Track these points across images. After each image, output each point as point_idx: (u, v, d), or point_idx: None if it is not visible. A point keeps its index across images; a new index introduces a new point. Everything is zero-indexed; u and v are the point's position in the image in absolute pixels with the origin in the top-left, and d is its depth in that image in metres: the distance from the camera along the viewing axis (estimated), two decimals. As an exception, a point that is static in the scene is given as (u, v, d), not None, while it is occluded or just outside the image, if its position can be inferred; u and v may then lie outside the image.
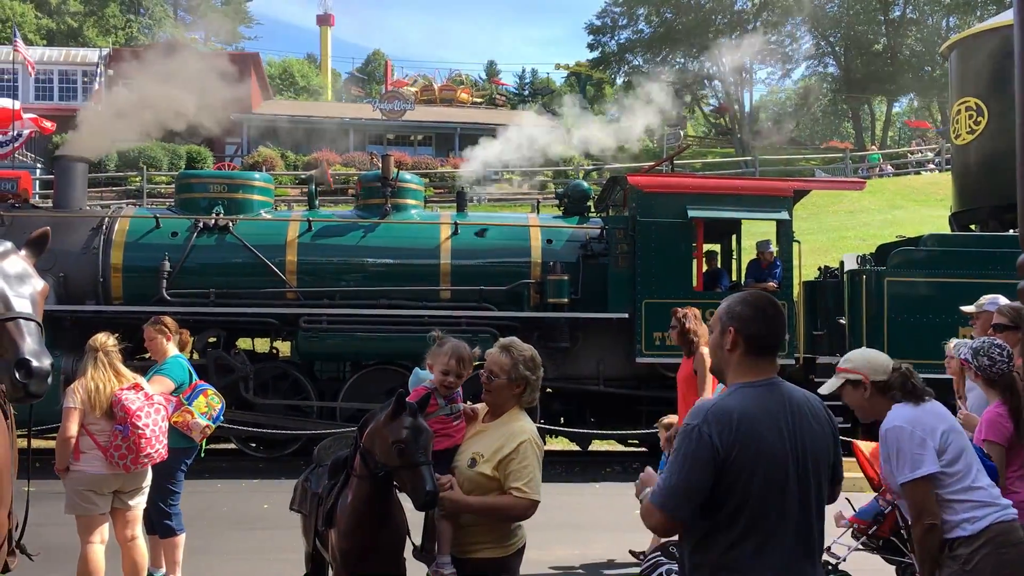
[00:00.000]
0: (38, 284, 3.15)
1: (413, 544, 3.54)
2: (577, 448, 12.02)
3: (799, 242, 11.58)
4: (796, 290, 11.82)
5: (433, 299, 11.20)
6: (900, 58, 45.14)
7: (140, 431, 5.09)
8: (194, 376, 6.00)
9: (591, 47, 49.58)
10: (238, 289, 10.98)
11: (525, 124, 13.71)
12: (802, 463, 2.63)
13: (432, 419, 3.49)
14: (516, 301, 11.25)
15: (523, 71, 63.42)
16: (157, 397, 5.36)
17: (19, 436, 3.86)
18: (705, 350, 6.47)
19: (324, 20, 60.19)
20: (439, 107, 41.54)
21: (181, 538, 5.84)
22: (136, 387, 5.27)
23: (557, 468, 10.71)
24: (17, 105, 28.83)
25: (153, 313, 10.32)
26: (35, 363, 2.87)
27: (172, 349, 6.03)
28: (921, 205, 26.64)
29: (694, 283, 11.29)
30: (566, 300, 11.07)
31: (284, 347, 12.13)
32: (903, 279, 11.26)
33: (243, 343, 11.92)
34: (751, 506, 2.56)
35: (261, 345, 12.29)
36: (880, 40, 46.94)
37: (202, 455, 6.16)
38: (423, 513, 3.41)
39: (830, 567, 5.48)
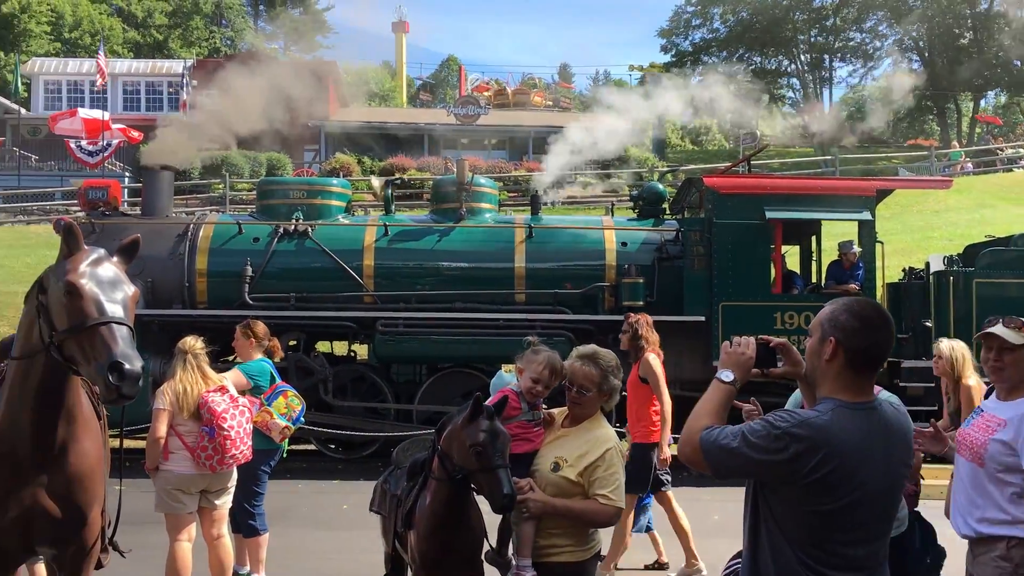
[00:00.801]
0: (129, 289, 3.26)
1: (490, 547, 3.56)
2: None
3: (882, 243, 11.28)
4: (879, 292, 11.51)
5: (508, 302, 11.22)
6: (987, 53, 43.66)
7: (225, 433, 5.22)
8: (276, 378, 6.13)
9: (664, 49, 49.20)
10: (317, 293, 11.17)
11: (600, 119, 13.53)
12: (886, 494, 2.52)
13: (513, 423, 3.50)
14: (590, 304, 11.21)
15: (596, 73, 63.25)
16: (242, 399, 5.49)
17: (111, 436, 4.01)
18: (651, 356, 6.56)
19: (399, 27, 60.93)
20: (513, 111, 41.67)
21: (265, 537, 5.97)
22: (222, 389, 5.41)
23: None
24: (106, 116, 29.94)
25: (237, 317, 10.64)
26: (127, 366, 2.97)
27: (257, 354, 6.17)
28: (1011, 204, 25.66)
29: (772, 286, 11.10)
30: (641, 303, 10.97)
31: (362, 350, 12.30)
32: (993, 280, 10.87)
33: (322, 346, 12.12)
34: (835, 537, 2.47)
35: (340, 348, 12.49)
36: (966, 35, 45.46)
37: (284, 456, 6.28)
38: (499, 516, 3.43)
39: None
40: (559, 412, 3.68)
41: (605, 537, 3.59)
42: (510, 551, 3.51)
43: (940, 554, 4.37)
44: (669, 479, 6.66)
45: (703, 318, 10.89)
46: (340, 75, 39.73)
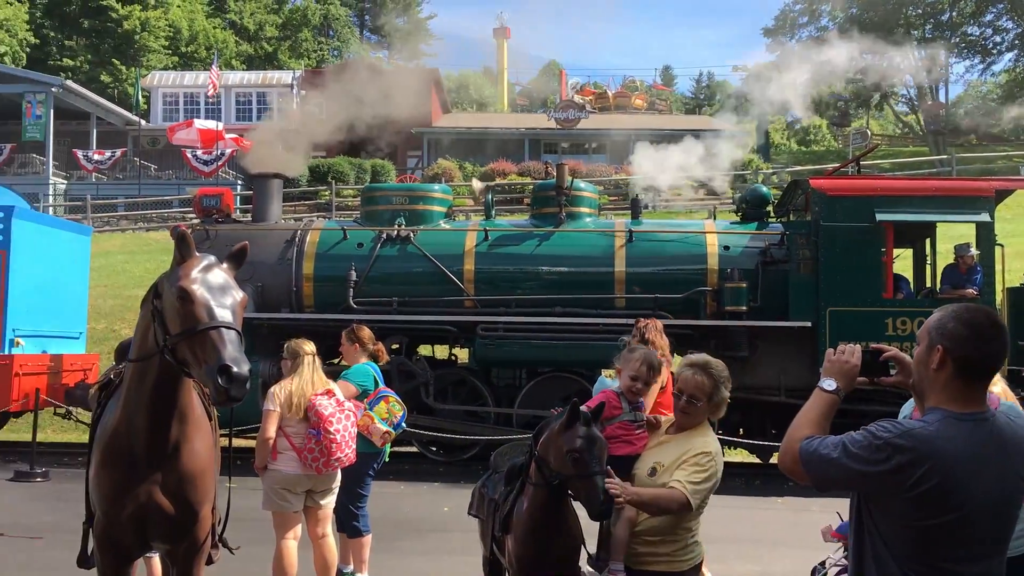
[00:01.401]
0: (238, 295, 3.37)
1: (588, 553, 3.54)
2: (757, 460, 11.66)
3: (1002, 246, 10.76)
4: (999, 297, 10.99)
5: (608, 307, 11.16)
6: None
7: (331, 436, 5.33)
8: (380, 383, 6.22)
9: (770, 48, 48.19)
10: (419, 297, 11.33)
11: (710, 126, 13.32)
12: (1000, 509, 2.37)
13: (614, 424, 3.49)
14: (692, 309, 11.05)
15: (699, 74, 62.41)
16: (347, 403, 5.61)
17: (221, 436, 4.14)
18: None
19: (500, 33, 61.39)
20: (613, 114, 41.47)
21: (368, 538, 6.09)
22: (329, 393, 5.53)
23: (736, 481, 10.41)
24: (220, 126, 31.11)
25: (342, 320, 10.89)
26: (235, 369, 3.06)
27: (362, 358, 6.28)
28: None
29: (884, 290, 10.72)
30: (744, 308, 10.77)
31: (462, 354, 12.42)
32: (1123, 285, 10.25)
33: (424, 349, 12.29)
34: (942, 553, 2.37)
35: (441, 352, 12.64)
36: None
37: (387, 459, 6.38)
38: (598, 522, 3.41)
39: None
40: (665, 419, 3.64)
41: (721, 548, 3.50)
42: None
43: None
44: None
45: (809, 323, 10.60)
46: (442, 82, 40.29)
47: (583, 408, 3.42)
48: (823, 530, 5.18)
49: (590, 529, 3.56)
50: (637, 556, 3.41)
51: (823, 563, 5.28)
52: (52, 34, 43.23)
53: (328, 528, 5.69)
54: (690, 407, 3.42)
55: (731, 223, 12.08)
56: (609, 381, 3.80)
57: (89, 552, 3.76)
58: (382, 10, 59.11)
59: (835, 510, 5.32)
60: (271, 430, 5.38)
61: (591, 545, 3.53)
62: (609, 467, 3.30)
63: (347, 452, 5.45)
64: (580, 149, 37.07)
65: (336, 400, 5.51)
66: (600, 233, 11.55)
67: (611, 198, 28.28)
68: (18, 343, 11.89)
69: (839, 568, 5.00)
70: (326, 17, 54.82)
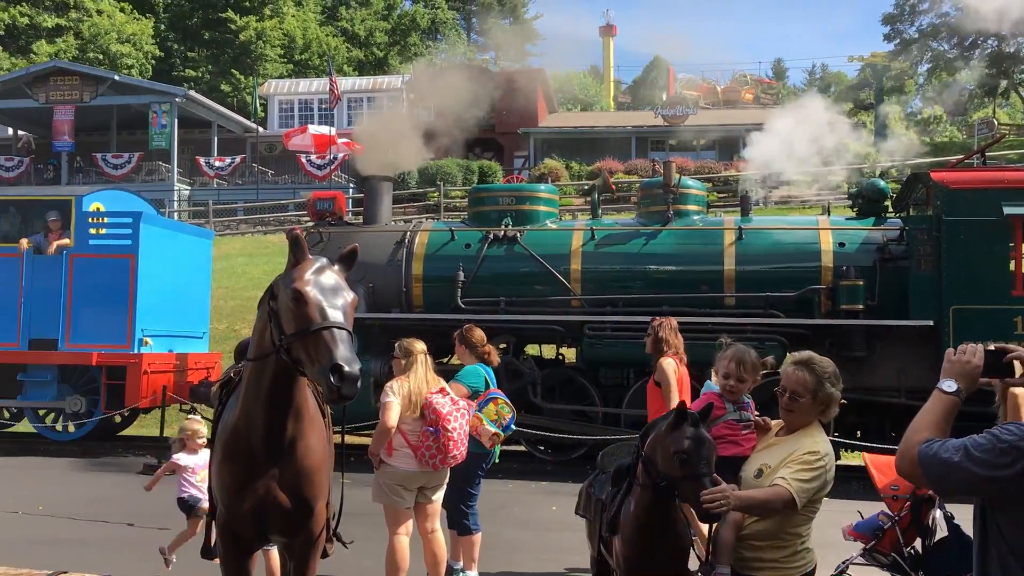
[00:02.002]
0: (349, 296, 3.46)
1: (697, 556, 3.49)
2: (876, 464, 11.25)
3: None
4: None
5: (717, 306, 10.97)
6: None
7: (449, 434, 5.40)
8: (491, 384, 6.27)
9: (888, 37, 46.44)
10: (526, 297, 11.39)
11: (810, 112, 12.86)
12: None
13: (719, 424, 3.44)
14: (805, 308, 10.76)
15: (812, 66, 60.69)
16: (462, 402, 5.67)
17: (334, 433, 4.26)
18: (666, 361, 6.28)
19: (607, 31, 61.13)
20: (723, 110, 40.75)
21: (478, 536, 6.15)
22: (443, 391, 5.61)
23: (854, 485, 10.07)
24: (333, 131, 31.98)
25: (450, 320, 11.04)
26: (347, 368, 3.14)
27: (474, 359, 6.35)
28: None
29: (1012, 287, 10.20)
30: (861, 306, 10.42)
31: (570, 353, 12.42)
32: None
33: (531, 349, 12.34)
34: None
35: (548, 351, 12.67)
36: None
37: (496, 461, 6.42)
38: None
39: None
40: (776, 422, 3.57)
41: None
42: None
43: None
44: None
45: (931, 322, 10.18)
46: (548, 81, 40.35)
47: (690, 409, 3.38)
48: (843, 529, 5.12)
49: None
50: (743, 561, 3.34)
51: (844, 562, 5.28)
52: (176, 47, 45.24)
53: (437, 523, 5.77)
54: (792, 404, 3.34)
55: (847, 219, 11.71)
56: (715, 384, 3.77)
57: (212, 543, 3.92)
58: (489, 12, 59.62)
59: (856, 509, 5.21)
60: (392, 419, 5.40)
61: (700, 547, 3.49)
62: (716, 474, 3.24)
63: (461, 450, 5.52)
64: (688, 146, 36.54)
65: (451, 398, 5.59)
66: (709, 231, 11.37)
67: (720, 195, 27.81)
68: (146, 342, 12.50)
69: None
70: (434, 21, 55.65)
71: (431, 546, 5.69)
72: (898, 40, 45.99)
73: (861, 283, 10.43)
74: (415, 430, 5.46)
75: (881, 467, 5.36)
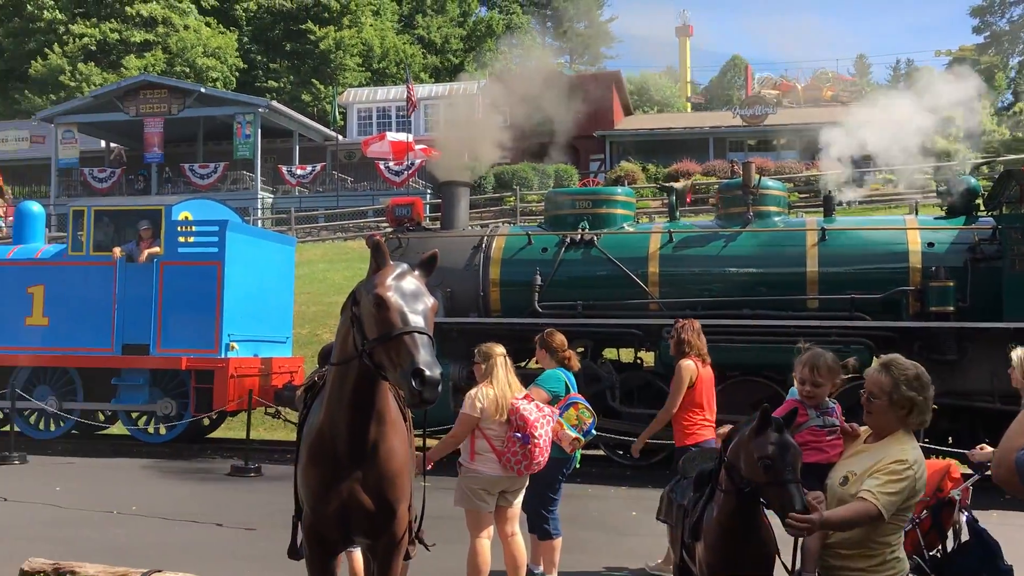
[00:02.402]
0: (429, 301, 3.49)
1: (783, 563, 3.42)
2: (970, 472, 10.87)
3: None
4: None
5: (800, 308, 10.76)
6: None
7: (536, 441, 5.40)
8: (571, 389, 6.26)
9: (976, 30, 44.95)
10: (603, 301, 11.34)
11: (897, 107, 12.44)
12: None
13: (803, 430, 3.37)
14: (892, 310, 10.47)
15: (896, 62, 59.13)
16: (547, 408, 5.67)
17: (415, 436, 4.30)
18: (684, 362, 6.30)
19: (683, 31, 60.59)
20: (803, 108, 39.95)
21: (558, 541, 6.15)
22: (527, 397, 5.62)
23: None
24: (410, 138, 32.38)
25: (528, 325, 11.06)
26: (428, 372, 3.17)
27: (554, 364, 6.35)
28: None
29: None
30: (951, 308, 10.09)
31: (648, 357, 12.32)
32: None
33: (609, 353, 12.28)
34: None
35: (626, 355, 12.59)
36: None
37: (577, 466, 6.40)
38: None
39: None
40: (865, 428, 3.48)
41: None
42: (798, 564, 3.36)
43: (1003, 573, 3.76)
44: None
45: (1026, 324, 9.80)
46: (624, 84, 40.14)
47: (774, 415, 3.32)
48: None
49: (785, 538, 3.45)
50: (830, 569, 3.27)
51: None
52: (259, 58, 46.38)
53: (517, 527, 5.77)
54: (869, 404, 3.26)
55: (936, 218, 11.36)
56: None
57: (298, 544, 3.99)
58: (564, 16, 59.64)
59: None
60: (462, 434, 5.46)
61: (785, 554, 3.42)
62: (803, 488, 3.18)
63: (546, 456, 5.52)
64: (768, 146, 35.93)
65: (537, 405, 5.59)
66: (790, 232, 11.16)
67: (801, 195, 27.27)
68: (233, 347, 12.83)
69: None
70: (508, 26, 55.91)
71: (511, 549, 5.70)
72: (988, 33, 44.46)
73: (951, 284, 10.11)
74: (500, 435, 5.46)
75: None
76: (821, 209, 12.06)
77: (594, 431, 6.19)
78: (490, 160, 13.56)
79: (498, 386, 5.52)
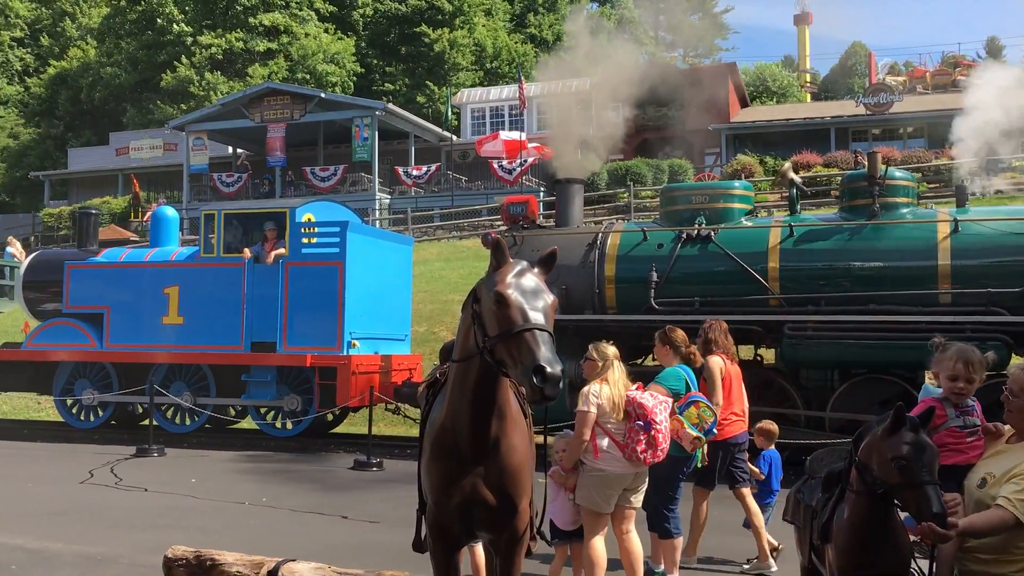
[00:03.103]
0: (549, 298, 3.51)
1: (918, 568, 3.29)
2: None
3: None
4: None
5: (930, 303, 10.31)
6: None
7: (658, 427, 5.33)
8: (692, 387, 6.16)
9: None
10: (721, 296, 11.14)
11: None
12: None
13: (941, 431, 3.23)
14: (1032, 304, 9.91)
15: (1032, 42, 55.90)
16: (661, 396, 5.60)
17: (535, 433, 4.33)
18: (712, 358, 6.69)
19: (802, 19, 58.92)
20: (932, 95, 38.27)
21: (679, 540, 6.08)
22: (640, 387, 5.58)
23: None
24: (523, 136, 32.54)
25: (644, 321, 10.97)
26: (549, 369, 3.19)
27: (675, 360, 6.26)
28: None
29: None
30: (1101, 302, 9.50)
31: (768, 354, 12.04)
32: None
33: (728, 350, 12.03)
34: None
35: (745, 352, 12.32)
36: None
37: (698, 465, 6.31)
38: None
39: None
40: (1008, 427, 3.31)
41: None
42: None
43: None
44: (746, 476, 6.81)
45: None
46: (739, 76, 39.31)
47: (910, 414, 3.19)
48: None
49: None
50: (969, 574, 3.13)
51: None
52: (375, 62, 47.48)
53: (632, 525, 5.71)
54: (1009, 403, 3.10)
55: (1079, 206, 10.71)
56: (934, 388, 3.53)
57: (422, 537, 4.08)
58: (677, 8, 58.83)
59: None
60: (586, 432, 5.42)
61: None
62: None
63: (668, 445, 5.46)
64: (894, 135, 34.57)
65: (651, 392, 5.54)
66: (920, 224, 10.70)
67: (931, 186, 26.14)
68: (354, 344, 13.18)
69: None
70: (620, 21, 55.51)
71: (628, 546, 5.64)
72: None
73: (1098, 276, 9.51)
74: (621, 430, 5.40)
75: None
76: (953, 200, 11.54)
77: (715, 430, 6.08)
78: (606, 157, 13.50)
79: (615, 382, 5.48)
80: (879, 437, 3.14)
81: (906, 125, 34.12)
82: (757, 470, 6.94)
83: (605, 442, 5.42)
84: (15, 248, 26.24)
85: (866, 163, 11.11)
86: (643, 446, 5.32)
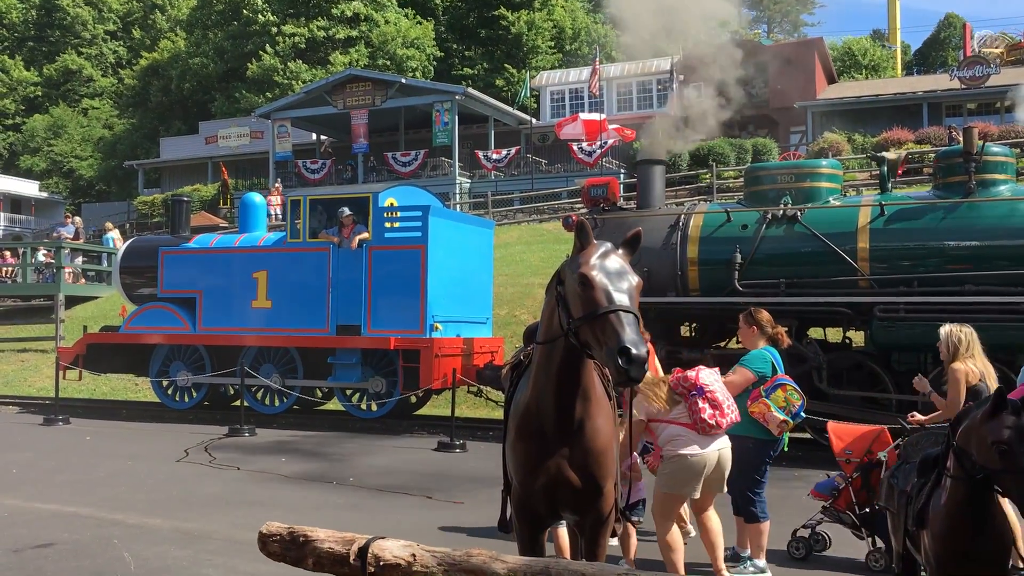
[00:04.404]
0: (633, 279, 3.49)
1: (1020, 556, 3.18)
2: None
3: None
4: None
5: (1030, 284, 9.90)
6: None
7: (710, 387, 5.23)
8: (779, 369, 6.03)
9: None
10: (808, 278, 10.89)
11: None
12: None
13: None
14: None
15: None
16: (696, 369, 5.48)
17: (619, 416, 4.31)
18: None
19: (891, -9, 56.90)
20: (1030, 66, 36.60)
21: (766, 525, 5.99)
22: (678, 371, 5.50)
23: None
24: (603, 117, 32.30)
25: (728, 304, 10.82)
26: (634, 351, 3.17)
27: (761, 342, 6.15)
28: None
29: None
30: None
31: (857, 337, 11.74)
32: None
33: (814, 332, 11.80)
34: None
35: (832, 335, 12.05)
36: None
37: (785, 449, 6.19)
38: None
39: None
40: None
41: None
42: None
43: None
44: None
45: None
46: (827, 51, 38.25)
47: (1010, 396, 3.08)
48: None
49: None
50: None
51: (811, 519, 6.34)
52: (454, 46, 47.66)
53: (712, 509, 5.64)
54: None
55: None
56: None
57: (507, 518, 4.11)
58: (759, -16, 57.53)
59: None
60: (636, 436, 5.29)
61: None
62: None
63: (732, 405, 5.35)
64: (990, 109, 33.19)
65: (684, 373, 5.43)
66: (1020, 201, 10.27)
67: (1030, 161, 25.04)
68: (437, 327, 13.33)
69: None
70: (702, -2, 54.55)
71: (710, 525, 5.58)
72: None
73: None
74: (682, 412, 5.29)
75: (840, 433, 6.41)
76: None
77: (803, 414, 5.96)
78: (687, 138, 13.31)
79: (651, 373, 5.32)
80: (979, 421, 3.04)
81: (1003, 99, 32.71)
82: None
83: (674, 430, 5.28)
84: (115, 233, 27.23)
85: (961, 139, 10.70)
86: (709, 412, 5.21)
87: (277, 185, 13.71)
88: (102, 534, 6.92)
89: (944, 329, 6.11)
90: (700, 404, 5.24)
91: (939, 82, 34.71)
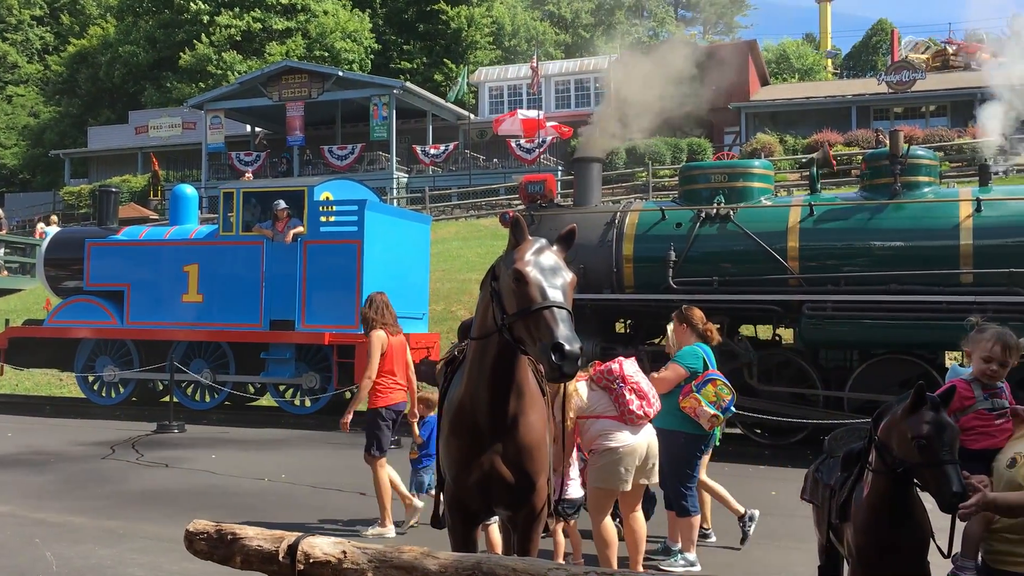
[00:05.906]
0: (568, 276, 3.50)
1: (938, 548, 3.28)
2: None
3: None
4: None
5: (951, 283, 10.22)
6: None
7: (634, 378, 5.29)
8: (711, 365, 6.12)
9: None
10: (740, 276, 11.09)
11: None
12: None
13: (970, 414, 3.21)
14: (1055, 285, 9.81)
15: (1059, 19, 55.00)
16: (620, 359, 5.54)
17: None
18: (374, 333, 7.68)
19: (823, -4, 58.18)
20: (955, 72, 37.77)
21: (696, 519, 6.06)
22: (597, 364, 5.56)
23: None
24: (541, 115, 32.43)
25: (662, 301, 10.95)
26: (568, 347, 3.18)
27: (692, 339, 6.22)
28: None
29: None
30: (1124, 283, 9.38)
31: (787, 334, 11.99)
32: None
33: (745, 329, 12.02)
34: None
35: (763, 332, 12.28)
36: None
37: (717, 444, 6.28)
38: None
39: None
40: None
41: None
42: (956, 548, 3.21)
43: None
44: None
45: None
46: (760, 53, 38.93)
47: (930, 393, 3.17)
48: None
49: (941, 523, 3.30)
50: (995, 554, 3.12)
51: None
52: (392, 40, 47.33)
53: (639, 506, 5.66)
54: None
55: (1104, 186, 10.55)
56: (962, 370, 3.50)
57: (440, 513, 4.10)
58: (696, -15, 58.32)
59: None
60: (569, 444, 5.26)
61: (941, 539, 3.27)
62: (964, 470, 3.02)
63: (655, 393, 5.42)
64: (916, 113, 34.19)
65: (596, 361, 5.51)
66: (942, 203, 10.59)
67: (953, 164, 25.87)
68: (372, 323, 13.20)
69: None
70: (639, -2, 55.09)
71: (634, 525, 5.57)
72: None
73: (1123, 257, 9.38)
74: (603, 402, 5.32)
75: None
76: (976, 179, 11.40)
77: (733, 408, 6.06)
78: (623, 137, 13.40)
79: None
80: (899, 416, 3.13)
81: (928, 103, 33.72)
82: (417, 433, 7.62)
83: (605, 423, 5.32)
84: (56, 228, 26.40)
85: (888, 142, 10.99)
86: (636, 402, 5.27)
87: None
88: (23, 533, 6.72)
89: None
90: (627, 396, 5.28)
91: (868, 86, 35.62)
